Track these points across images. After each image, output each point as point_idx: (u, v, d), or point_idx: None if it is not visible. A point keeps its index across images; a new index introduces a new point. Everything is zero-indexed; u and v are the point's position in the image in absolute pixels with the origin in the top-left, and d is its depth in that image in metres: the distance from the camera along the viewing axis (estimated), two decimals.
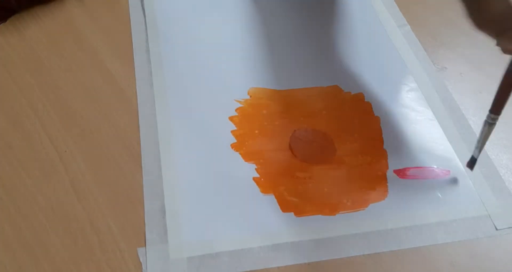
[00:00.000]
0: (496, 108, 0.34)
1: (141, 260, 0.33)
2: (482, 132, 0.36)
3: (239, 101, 0.43)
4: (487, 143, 0.41)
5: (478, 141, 0.36)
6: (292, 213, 0.36)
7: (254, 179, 0.38)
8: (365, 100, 0.44)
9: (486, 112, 0.43)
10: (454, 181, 0.39)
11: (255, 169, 0.39)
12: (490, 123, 0.35)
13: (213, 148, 0.39)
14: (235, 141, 0.40)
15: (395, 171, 0.39)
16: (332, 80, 0.45)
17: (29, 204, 0.35)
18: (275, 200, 0.37)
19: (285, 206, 0.37)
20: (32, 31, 0.46)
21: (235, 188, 0.37)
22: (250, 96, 0.43)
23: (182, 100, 0.42)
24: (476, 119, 0.43)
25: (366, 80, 0.45)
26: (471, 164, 0.38)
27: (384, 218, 0.37)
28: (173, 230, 0.35)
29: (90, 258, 0.33)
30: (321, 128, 0.42)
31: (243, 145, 0.40)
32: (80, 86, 0.42)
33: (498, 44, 0.32)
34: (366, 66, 0.46)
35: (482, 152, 0.40)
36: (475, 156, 0.38)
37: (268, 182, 0.38)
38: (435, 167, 0.40)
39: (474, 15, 0.32)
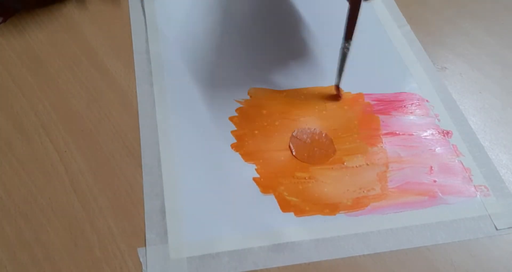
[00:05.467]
0: (348, 35, 0.39)
1: (141, 260, 0.33)
2: (339, 60, 0.41)
3: (239, 102, 0.43)
4: (487, 143, 0.41)
5: (338, 69, 0.42)
6: (292, 213, 0.36)
7: (254, 179, 0.38)
8: (365, 100, 0.44)
9: (486, 112, 0.44)
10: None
11: (255, 169, 0.39)
12: (344, 51, 0.40)
13: (213, 148, 0.39)
14: (235, 141, 0.40)
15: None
16: (332, 80, 0.45)
17: (29, 204, 0.36)
18: (275, 200, 0.37)
19: (285, 206, 0.37)
20: (32, 31, 0.46)
21: (235, 188, 0.37)
22: (250, 96, 0.43)
23: (182, 101, 0.42)
24: (476, 120, 0.43)
25: (366, 80, 0.45)
26: (337, 89, 0.43)
27: (384, 218, 0.37)
28: (173, 230, 0.35)
29: (90, 258, 0.33)
30: (321, 129, 0.42)
31: (243, 145, 0.40)
32: (80, 86, 0.42)
33: None
34: (366, 66, 0.46)
35: (482, 151, 0.41)
36: (337, 83, 0.43)
37: (268, 182, 0.38)
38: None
39: None
